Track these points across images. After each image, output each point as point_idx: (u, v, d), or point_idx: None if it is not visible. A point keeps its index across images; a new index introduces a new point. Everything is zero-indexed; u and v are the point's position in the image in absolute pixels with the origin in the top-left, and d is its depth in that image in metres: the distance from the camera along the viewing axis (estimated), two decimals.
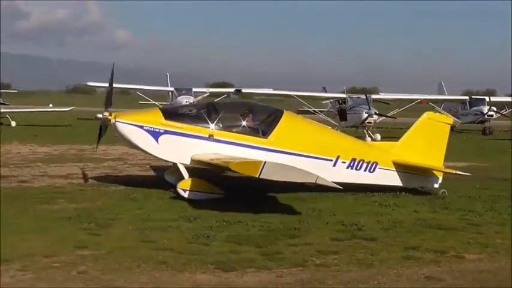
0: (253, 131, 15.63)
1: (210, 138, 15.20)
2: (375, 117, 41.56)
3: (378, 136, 40.92)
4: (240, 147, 15.23)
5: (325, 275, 9.24)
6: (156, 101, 59.32)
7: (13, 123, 41.82)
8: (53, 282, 8.46)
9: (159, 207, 13.89)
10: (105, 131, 15.90)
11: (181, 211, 13.36)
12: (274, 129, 15.59)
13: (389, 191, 16.19)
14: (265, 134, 15.56)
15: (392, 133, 39.87)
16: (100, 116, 15.80)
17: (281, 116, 15.90)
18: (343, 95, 47.39)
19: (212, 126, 15.32)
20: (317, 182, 12.85)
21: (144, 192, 15.35)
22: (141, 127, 15.11)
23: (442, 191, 16.45)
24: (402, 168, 16.29)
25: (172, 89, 57.75)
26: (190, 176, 14.67)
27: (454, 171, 16.57)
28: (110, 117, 15.27)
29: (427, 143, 16.56)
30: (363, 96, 43.64)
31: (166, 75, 64.66)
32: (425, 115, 17.21)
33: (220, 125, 15.43)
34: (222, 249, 10.44)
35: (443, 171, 16.50)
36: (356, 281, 9.03)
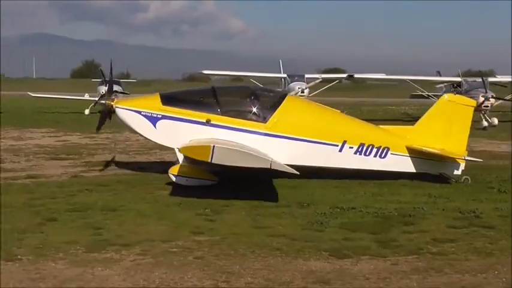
0: (251, 116, 15.20)
1: (208, 123, 14.87)
2: (492, 100, 40.15)
3: (495, 120, 39.60)
4: (237, 132, 14.85)
5: (442, 263, 9.03)
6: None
7: None
8: (171, 266, 8.67)
9: (271, 194, 13.93)
10: (109, 117, 15.84)
11: (294, 197, 13.40)
12: (274, 114, 15.12)
13: (406, 178, 15.57)
14: (263, 118, 15.12)
15: (509, 117, 38.42)
16: (103, 102, 15.81)
17: (282, 100, 15.46)
18: (458, 79, 46.05)
19: (210, 110, 15.05)
20: (271, 167, 12.33)
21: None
22: (139, 112, 15.06)
23: (464, 177, 15.65)
24: (416, 154, 15.54)
25: (285, 75, 57.81)
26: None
27: (463, 158, 15.50)
28: (112, 103, 15.39)
29: (446, 126, 15.65)
30: (479, 79, 42.19)
31: (279, 62, 64.80)
32: (445, 97, 16.40)
33: (218, 110, 15.12)
34: (335, 236, 10.40)
35: (450, 157, 15.49)
36: (474, 270, 8.78)
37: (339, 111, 17.09)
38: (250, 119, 15.08)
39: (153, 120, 14.95)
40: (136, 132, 15.75)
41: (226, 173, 14.01)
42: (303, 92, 51.54)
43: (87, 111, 44.50)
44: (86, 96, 49.97)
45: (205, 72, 61.04)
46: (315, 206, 12.51)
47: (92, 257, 8.99)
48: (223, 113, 15.02)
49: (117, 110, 15.30)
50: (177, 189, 13.95)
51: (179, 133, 14.66)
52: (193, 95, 16.55)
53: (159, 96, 15.43)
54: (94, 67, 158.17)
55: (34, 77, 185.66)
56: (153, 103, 15.17)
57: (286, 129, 14.97)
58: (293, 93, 52.04)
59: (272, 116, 15.08)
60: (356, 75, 49.90)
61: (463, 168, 15.70)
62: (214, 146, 12.38)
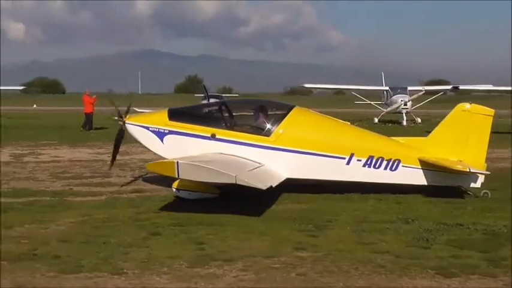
0: (255, 129, 15.19)
1: (213, 137, 14.92)
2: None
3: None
4: (241, 146, 14.79)
5: None
6: (371, 101, 59.09)
7: None
8: (273, 283, 8.61)
9: (376, 208, 13.74)
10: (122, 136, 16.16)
11: (399, 212, 13.10)
12: (278, 127, 15.01)
13: (419, 191, 14.97)
14: (267, 132, 15.03)
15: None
16: (116, 118, 16.20)
17: (288, 113, 15.32)
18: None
19: (214, 125, 15.10)
20: (236, 181, 12.05)
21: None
22: (147, 128, 15.36)
23: (484, 191, 14.82)
24: (429, 166, 14.82)
25: (387, 88, 57.18)
26: None
27: (467, 170, 14.45)
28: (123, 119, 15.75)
29: (462, 137, 14.90)
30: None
31: (381, 74, 64.10)
32: (459, 106, 15.41)
33: (223, 124, 15.22)
34: (442, 253, 10.06)
35: (455, 170, 14.55)
36: None
37: (348, 123, 16.84)
38: (254, 133, 15.04)
39: (161, 135, 15.21)
40: (145, 147, 15.96)
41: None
42: (405, 104, 50.81)
43: None
44: None
45: (307, 85, 61.12)
46: (419, 222, 12.18)
47: (195, 272, 9.04)
48: (227, 128, 15.15)
49: (127, 125, 15.71)
50: (280, 205, 13.93)
51: (185, 148, 14.72)
52: (199, 110, 16.84)
53: (166, 111, 15.67)
54: (197, 82, 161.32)
55: (140, 92, 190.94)
56: (160, 119, 15.44)
57: (290, 142, 14.83)
58: (395, 106, 51.31)
59: (276, 129, 15.01)
60: (461, 87, 48.58)
61: (482, 181, 14.89)
62: (178, 162, 12.32)
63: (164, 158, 14.44)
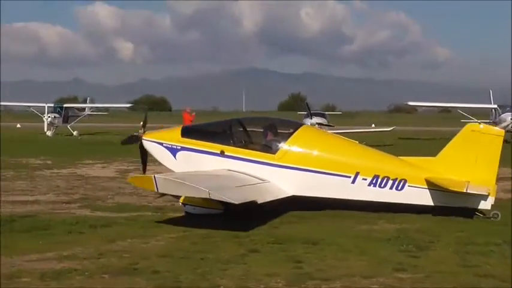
0: (262, 147, 15.51)
1: (222, 154, 15.21)
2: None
3: None
4: (248, 163, 15.07)
5: None
6: (478, 119, 57.40)
7: None
8: None
9: (481, 229, 13.27)
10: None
11: (505, 235, 12.60)
12: (284, 145, 15.28)
13: (427, 212, 14.61)
14: (273, 149, 15.30)
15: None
16: (136, 134, 16.92)
17: (295, 131, 15.56)
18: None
19: (224, 142, 15.48)
20: (210, 196, 12.40)
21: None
22: (161, 144, 15.91)
23: (493, 212, 14.34)
24: (433, 186, 14.41)
25: (495, 106, 55.46)
26: None
27: (465, 190, 13.87)
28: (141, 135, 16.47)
29: (471, 158, 14.43)
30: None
31: (489, 91, 62.24)
32: (467, 127, 15.15)
33: (232, 141, 15.58)
34: None
35: (450, 190, 14.17)
36: None
37: (356, 142, 16.60)
38: (261, 150, 15.32)
39: (174, 151, 15.73)
40: (160, 163, 16.40)
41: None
42: None
43: None
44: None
45: (411, 103, 60.16)
46: None
47: None
48: (235, 145, 15.49)
49: (143, 141, 16.35)
50: (375, 225, 13.71)
51: (196, 164, 15.22)
52: (211, 127, 17.22)
53: (179, 128, 16.37)
54: (300, 100, 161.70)
55: (244, 110, 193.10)
56: (173, 135, 16.00)
57: (295, 159, 15.02)
58: (504, 124, 49.63)
59: (282, 147, 15.26)
60: None
61: (492, 202, 14.30)
62: (155, 177, 12.76)
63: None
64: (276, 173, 14.93)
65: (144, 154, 16.75)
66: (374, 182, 14.62)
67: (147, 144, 16.33)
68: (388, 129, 49.54)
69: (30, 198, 17.16)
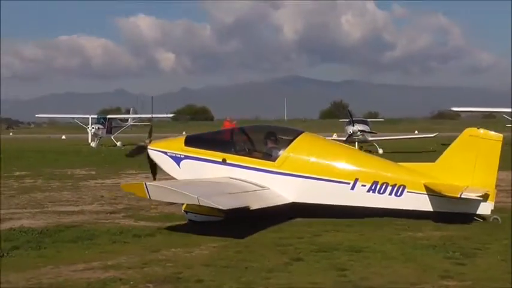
0: (261, 154, 15.68)
1: (224, 162, 15.46)
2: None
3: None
4: (248, 170, 15.29)
5: None
6: None
7: (380, 151, 43.09)
8: None
9: None
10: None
11: None
12: (284, 152, 15.40)
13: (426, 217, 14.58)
14: (273, 156, 15.46)
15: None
16: (142, 144, 17.26)
17: (294, 139, 15.71)
18: None
19: (225, 150, 15.69)
20: (199, 203, 12.64)
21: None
22: (165, 153, 16.21)
23: (493, 217, 14.41)
24: (432, 192, 14.41)
25: None
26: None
27: (458, 195, 13.84)
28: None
29: (469, 163, 14.40)
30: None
31: None
32: (466, 132, 14.95)
33: (233, 149, 15.81)
34: None
35: (443, 195, 14.16)
36: None
37: (355, 148, 15.87)
38: (261, 158, 15.52)
39: (177, 160, 15.99)
40: (165, 171, 16.54)
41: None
42: None
43: None
44: (334, 137, 50.74)
45: (454, 109, 59.47)
46: None
47: None
48: (237, 153, 15.72)
49: (148, 151, 16.63)
50: (419, 232, 13.55)
51: (199, 172, 15.55)
52: (213, 136, 17.62)
53: (183, 137, 16.68)
54: (342, 107, 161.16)
55: (285, 118, 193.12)
56: (177, 144, 16.27)
57: (295, 166, 15.15)
58: None
59: (282, 154, 15.39)
60: None
61: (492, 207, 14.30)
62: (146, 184, 13.01)
63: None
64: (276, 180, 15.12)
65: (153, 163, 16.90)
66: (373, 188, 14.68)
67: (152, 154, 16.61)
68: (431, 135, 49.04)
69: (76, 209, 17.38)
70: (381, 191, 14.66)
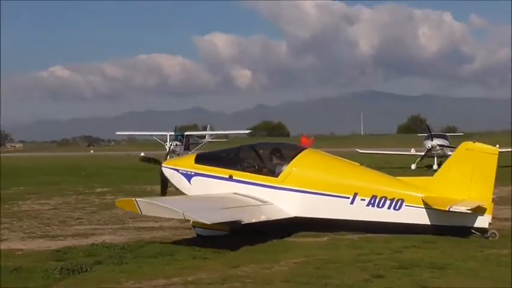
0: (266, 171, 16.16)
1: (230, 178, 16.00)
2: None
3: None
4: (253, 186, 15.79)
5: None
6: None
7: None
8: None
9: None
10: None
11: None
12: (286, 168, 15.81)
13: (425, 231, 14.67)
14: (276, 173, 15.87)
15: None
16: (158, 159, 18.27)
17: (296, 155, 16.12)
18: None
19: (232, 167, 16.23)
20: (184, 217, 13.53)
21: None
22: (177, 170, 16.86)
23: (491, 231, 14.34)
24: (426, 205, 14.57)
25: None
26: None
27: (447, 208, 13.97)
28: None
29: (466, 176, 14.37)
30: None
31: None
32: (462, 145, 15.09)
33: (239, 166, 16.31)
34: None
35: (433, 208, 14.35)
36: None
37: (357, 163, 16.70)
38: (265, 174, 16.02)
39: (188, 177, 16.64)
40: (177, 188, 17.15)
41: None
42: None
43: (413, 166, 44.62)
44: (412, 151, 50.00)
45: None
46: None
47: None
48: (242, 169, 16.21)
49: (162, 168, 17.37)
50: (504, 249, 13.14)
51: (208, 188, 16.19)
52: (222, 154, 17.94)
53: (194, 155, 17.47)
54: (420, 122, 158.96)
55: (362, 133, 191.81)
56: (188, 162, 17.01)
57: (296, 182, 15.52)
58: None
59: (284, 171, 15.79)
60: None
61: (489, 221, 14.34)
62: (136, 200, 13.85)
63: None
64: (278, 195, 15.55)
65: (164, 180, 17.59)
66: (372, 202, 14.88)
67: (165, 171, 17.32)
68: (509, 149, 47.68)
69: (155, 225, 17.61)
70: (380, 205, 14.86)
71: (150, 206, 13.97)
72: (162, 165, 17.54)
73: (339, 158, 17.10)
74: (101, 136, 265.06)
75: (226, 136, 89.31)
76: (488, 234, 14.32)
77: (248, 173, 16.09)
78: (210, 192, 16.00)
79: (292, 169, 15.80)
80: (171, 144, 59.53)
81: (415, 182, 15.62)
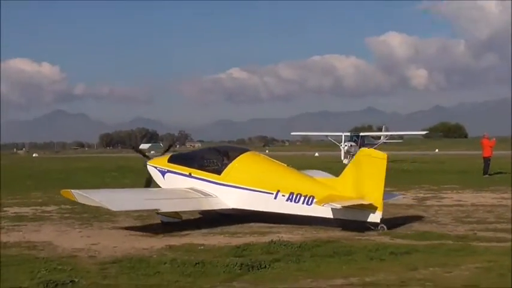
0: (214, 170, 18.82)
1: (190, 175, 18.91)
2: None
3: None
4: (203, 182, 18.66)
5: None
6: None
7: None
8: None
9: None
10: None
11: None
12: (227, 167, 18.56)
13: (329, 224, 16.67)
14: (221, 171, 18.58)
15: None
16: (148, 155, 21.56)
17: (237, 156, 18.81)
18: None
19: (192, 166, 19.14)
20: (102, 205, 16.54)
21: None
22: (156, 168, 19.83)
23: (380, 225, 16.28)
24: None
25: None
26: None
27: (356, 203, 16.13)
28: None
29: (364, 177, 16.34)
30: None
31: None
32: (360, 151, 17.58)
33: (197, 165, 19.14)
34: None
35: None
36: None
37: (284, 165, 18.89)
38: (212, 172, 18.75)
39: (163, 173, 19.61)
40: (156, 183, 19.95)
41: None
42: None
43: None
44: None
45: None
46: None
47: None
48: (198, 168, 19.05)
49: (147, 166, 20.19)
50: None
51: (173, 183, 19.19)
52: (187, 155, 21.23)
53: (168, 156, 20.29)
54: None
55: None
56: (163, 161, 19.91)
57: (234, 179, 18.22)
58: None
59: (226, 169, 18.55)
60: None
61: (381, 216, 16.13)
62: (72, 191, 16.77)
63: None
64: (221, 190, 18.30)
65: (149, 176, 20.31)
66: (290, 198, 17.17)
67: (149, 168, 20.13)
68: None
69: (332, 225, 17.68)
70: (296, 200, 17.10)
71: (80, 196, 16.72)
72: (147, 163, 20.34)
73: (271, 159, 19.52)
74: (275, 136, 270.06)
75: (401, 137, 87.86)
76: (379, 228, 16.24)
77: (201, 171, 18.92)
78: (174, 186, 18.99)
79: (231, 168, 18.52)
80: (345, 145, 59.50)
81: (326, 181, 17.89)
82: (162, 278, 11.08)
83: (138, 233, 16.56)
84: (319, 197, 16.70)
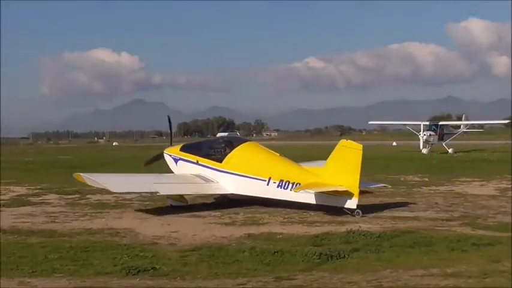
0: (216, 158, 20.46)
1: (197, 162, 20.68)
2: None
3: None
4: (206, 168, 20.39)
5: None
6: None
7: None
8: None
9: None
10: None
11: None
12: (227, 156, 20.17)
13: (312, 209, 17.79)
14: (222, 159, 20.19)
15: None
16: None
17: (237, 146, 20.52)
18: None
19: (199, 154, 20.95)
20: (105, 187, 18.45)
21: None
22: (170, 155, 21.75)
23: (356, 211, 17.16)
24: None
25: None
26: None
27: (333, 189, 17.30)
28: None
29: (342, 166, 17.46)
30: None
31: None
32: (340, 142, 18.22)
33: (203, 154, 20.90)
34: None
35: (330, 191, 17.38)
36: None
37: (277, 154, 20.10)
38: (215, 160, 20.38)
39: (176, 160, 21.52)
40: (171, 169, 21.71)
41: None
42: None
43: None
44: None
45: None
46: None
47: None
48: (204, 156, 20.76)
49: (164, 154, 22.14)
50: None
51: (185, 169, 20.97)
52: (197, 145, 22.97)
53: (180, 145, 22.19)
54: None
55: None
56: (176, 149, 21.79)
57: (233, 167, 19.81)
58: None
59: (226, 158, 20.16)
60: None
61: (357, 202, 17.16)
62: (81, 175, 19.07)
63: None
64: (221, 177, 19.94)
65: (158, 157, 22.81)
66: (280, 184, 18.58)
67: (165, 156, 22.07)
68: None
69: (410, 215, 17.51)
70: (285, 187, 18.45)
71: (88, 179, 18.74)
72: (164, 151, 22.22)
73: (266, 149, 20.74)
74: (352, 125, 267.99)
75: (481, 126, 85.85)
76: (355, 213, 17.13)
77: (206, 159, 20.60)
78: (184, 172, 20.81)
79: (231, 157, 20.11)
80: (424, 134, 58.57)
81: (313, 170, 18.87)
82: (241, 266, 11.21)
83: (217, 221, 16.77)
84: (304, 184, 18.01)
